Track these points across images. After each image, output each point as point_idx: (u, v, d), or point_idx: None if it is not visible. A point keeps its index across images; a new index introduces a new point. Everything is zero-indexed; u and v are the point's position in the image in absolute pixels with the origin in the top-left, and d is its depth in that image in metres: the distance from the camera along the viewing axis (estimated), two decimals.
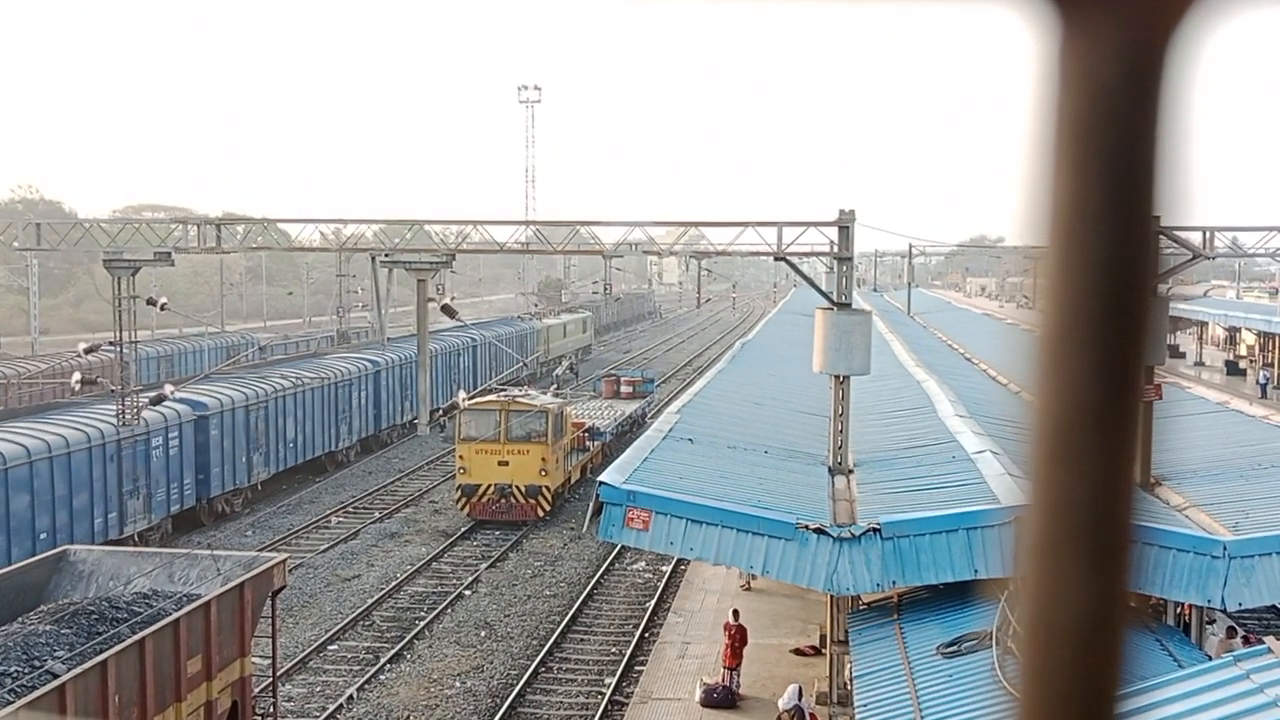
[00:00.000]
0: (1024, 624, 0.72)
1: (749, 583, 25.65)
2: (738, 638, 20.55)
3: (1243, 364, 68.55)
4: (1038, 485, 0.72)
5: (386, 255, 31.19)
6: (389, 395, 45.17)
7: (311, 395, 38.92)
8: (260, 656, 18.67)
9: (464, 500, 33.12)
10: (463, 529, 32.55)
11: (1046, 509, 0.72)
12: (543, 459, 32.94)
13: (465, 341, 52.73)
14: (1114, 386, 0.69)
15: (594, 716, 20.49)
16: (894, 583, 16.28)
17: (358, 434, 42.95)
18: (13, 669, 13.65)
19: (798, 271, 25.54)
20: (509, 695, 21.10)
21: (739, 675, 20.51)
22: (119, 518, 28.80)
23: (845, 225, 21.98)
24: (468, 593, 27.38)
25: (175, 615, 14.95)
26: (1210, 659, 13.48)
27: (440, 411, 37.73)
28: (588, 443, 38.07)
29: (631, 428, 41.77)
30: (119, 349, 29.81)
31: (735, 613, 21.24)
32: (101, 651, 13.66)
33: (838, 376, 21.45)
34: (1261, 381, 59.18)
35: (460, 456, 33.24)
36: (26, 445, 25.92)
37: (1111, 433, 0.70)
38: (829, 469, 21.43)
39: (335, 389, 40.86)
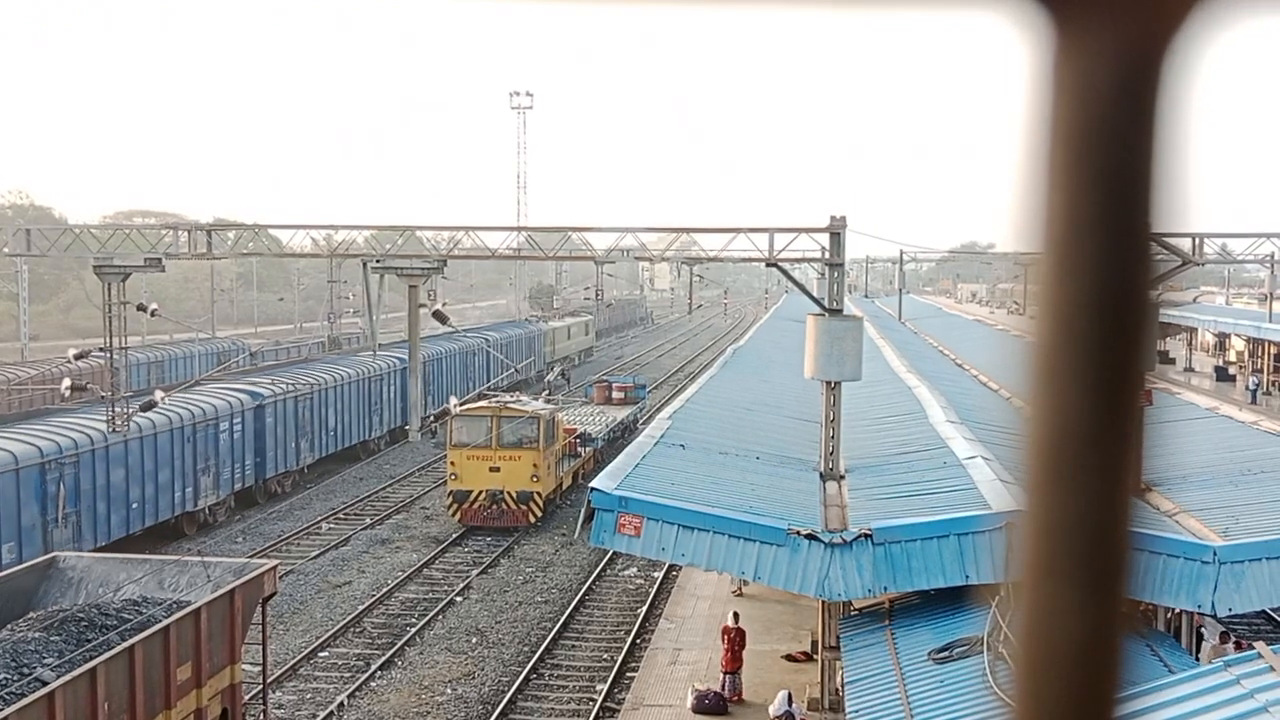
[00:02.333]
0: (1020, 646, 0.70)
1: (741, 588, 25.62)
2: (737, 641, 20.51)
3: (1232, 370, 68.74)
4: (1033, 502, 0.70)
5: (378, 261, 31.12)
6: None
7: (350, 389, 42.63)
8: (251, 663, 18.60)
9: (455, 506, 33.04)
10: (454, 535, 32.47)
11: (1042, 527, 0.70)
12: (534, 465, 32.88)
13: (480, 342, 56.73)
14: (1111, 400, 0.68)
15: None
16: (885, 588, 16.29)
17: (387, 425, 46.20)
18: (1, 676, 13.58)
19: (789, 277, 25.56)
20: (500, 702, 21.05)
21: (740, 679, 20.45)
22: (194, 492, 32.34)
23: (836, 231, 22.01)
24: (459, 599, 27.31)
25: (165, 622, 14.88)
26: (1199, 664, 13.50)
27: (432, 418, 37.72)
28: (579, 449, 38.02)
29: (623, 434, 41.75)
30: (109, 355, 29.71)
31: (735, 615, 21.17)
32: (91, 659, 13.59)
33: (829, 382, 21.46)
34: (1251, 387, 59.31)
35: (452, 462, 33.16)
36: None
37: (1109, 447, 0.68)
38: (820, 475, 21.43)
39: (369, 383, 44.33)
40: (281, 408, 37.04)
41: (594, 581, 28.53)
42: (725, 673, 20.43)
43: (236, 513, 34.84)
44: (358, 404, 43.25)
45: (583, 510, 16.98)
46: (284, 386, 37.83)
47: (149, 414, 30.47)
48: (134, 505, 29.54)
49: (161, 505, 30.82)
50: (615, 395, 47.83)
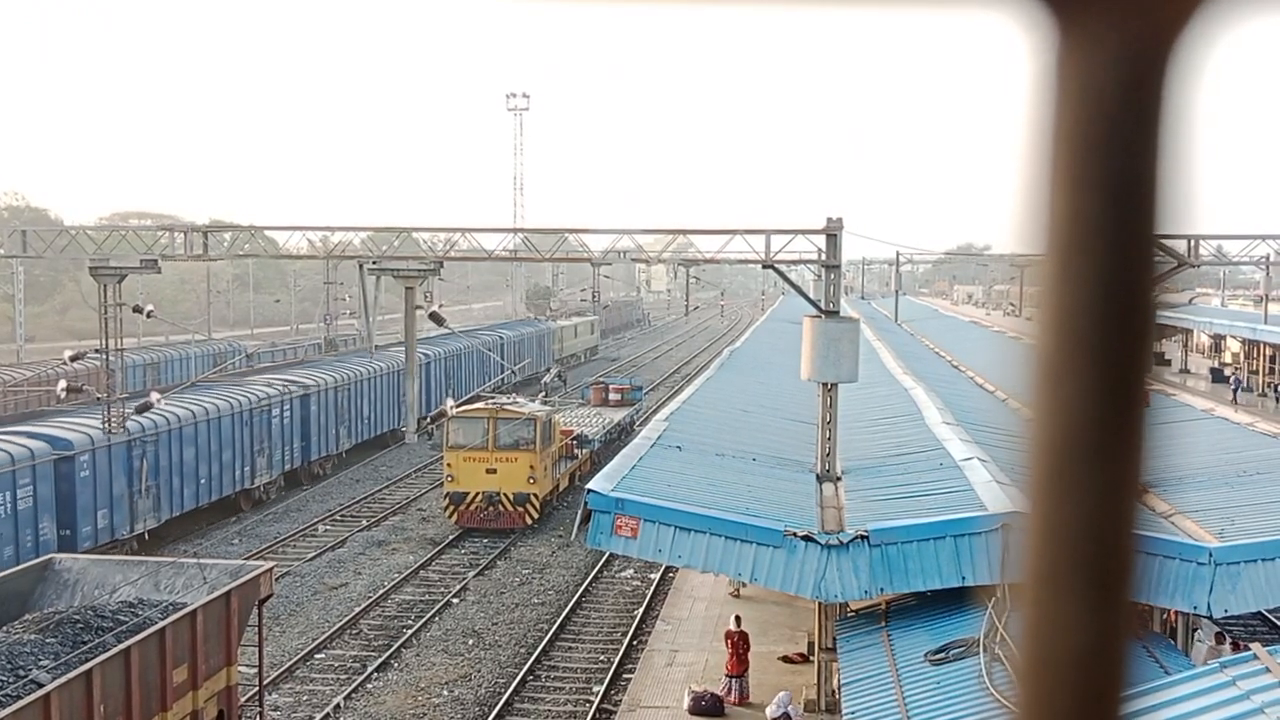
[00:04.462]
0: (1022, 652, 0.69)
1: (738, 590, 25.60)
2: (741, 644, 20.45)
3: (1228, 371, 68.86)
4: (1037, 507, 0.69)
5: (374, 262, 31.14)
6: (435, 384, 51.12)
7: (381, 381, 46.01)
8: (247, 665, 18.57)
9: (452, 508, 33.00)
10: (450, 537, 32.43)
11: (1046, 532, 0.69)
12: (531, 467, 32.84)
13: (495, 339, 60.21)
14: (1115, 403, 0.68)
15: None
16: (882, 590, 16.29)
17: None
18: None
19: (785, 279, 25.58)
20: (497, 704, 21.03)
21: (747, 682, 20.39)
22: (250, 471, 35.56)
23: (833, 233, 22.02)
24: (455, 601, 27.28)
25: (161, 624, 14.85)
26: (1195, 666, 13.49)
27: (428, 419, 37.74)
28: (576, 450, 37.99)
29: (620, 435, 41.73)
30: (105, 356, 29.72)
31: (737, 619, 21.11)
32: (87, 661, 13.56)
33: (826, 384, 21.46)
34: (1234, 385, 59.53)
35: (448, 464, 33.13)
36: (193, 410, 32.85)
37: (1114, 451, 0.68)
38: (817, 476, 21.43)
39: (397, 377, 46.95)
40: (324, 397, 40.58)
41: (591, 583, 28.51)
42: (730, 676, 20.34)
43: (285, 491, 38.06)
44: (388, 395, 46.60)
45: (579, 512, 16.97)
46: (326, 377, 41.49)
47: (215, 400, 34.18)
48: (202, 481, 33.00)
49: (225, 482, 34.19)
50: (612, 397, 47.82)
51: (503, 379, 54.01)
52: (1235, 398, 55.70)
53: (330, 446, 41.44)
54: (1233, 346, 71.97)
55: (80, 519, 27.52)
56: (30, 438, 27.23)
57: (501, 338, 61.93)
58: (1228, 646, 18.63)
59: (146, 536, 30.44)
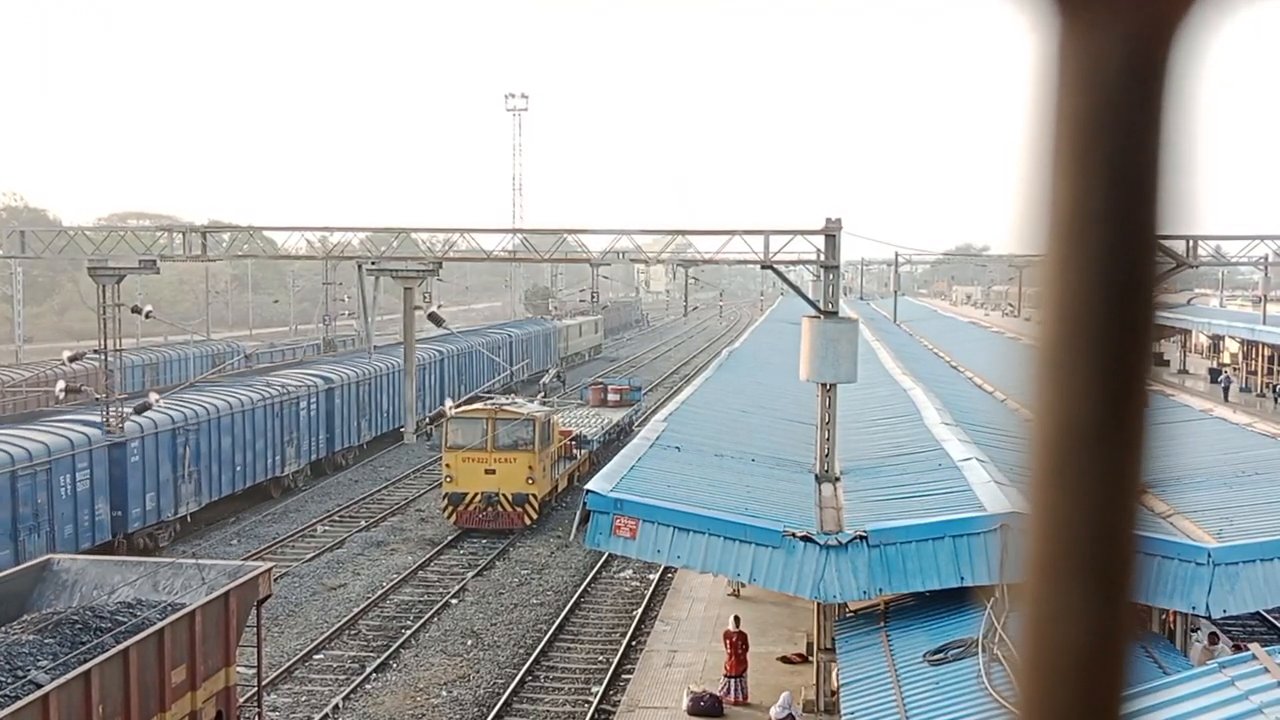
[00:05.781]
0: (1023, 651, 0.68)
1: (737, 590, 25.59)
2: (740, 645, 20.43)
3: (1226, 371, 68.88)
4: (1037, 507, 0.69)
5: (373, 263, 31.11)
6: (450, 380, 53.79)
7: (399, 377, 46.99)
8: (245, 666, 18.55)
9: (450, 509, 32.99)
10: (449, 537, 32.42)
11: (1047, 529, 0.68)
12: (530, 467, 32.84)
13: (505, 338, 63.10)
14: (1117, 401, 0.67)
15: None
16: (880, 590, 16.29)
17: (428, 408, 50.93)
18: None
19: (784, 280, 25.57)
20: (495, 704, 21.02)
21: (746, 683, 20.36)
22: (280, 460, 37.84)
23: (831, 233, 22.02)
24: (454, 601, 27.27)
25: (159, 625, 14.84)
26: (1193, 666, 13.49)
27: (427, 420, 37.73)
28: (575, 451, 37.99)
29: (618, 436, 41.73)
30: (104, 357, 29.74)
31: (736, 619, 21.09)
32: (85, 661, 13.55)
33: (824, 384, 21.46)
34: (1224, 385, 59.59)
35: (447, 465, 33.12)
36: (230, 402, 34.99)
37: (1115, 451, 0.67)
38: (816, 477, 21.42)
39: (417, 372, 47.41)
40: (348, 391, 43.11)
41: (589, 583, 28.49)
42: (729, 676, 20.31)
43: (312, 480, 40.15)
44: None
45: (578, 512, 16.96)
46: (349, 372, 43.71)
47: (248, 392, 36.31)
48: (238, 468, 35.11)
49: (258, 470, 36.44)
50: (610, 397, 47.83)
51: (509, 376, 55.13)
52: (1226, 397, 55.73)
53: (352, 438, 43.57)
54: (1231, 347, 71.99)
55: (131, 501, 29.58)
56: (86, 425, 29.17)
57: (510, 336, 64.36)
58: (1221, 646, 18.64)
59: (189, 519, 32.42)
